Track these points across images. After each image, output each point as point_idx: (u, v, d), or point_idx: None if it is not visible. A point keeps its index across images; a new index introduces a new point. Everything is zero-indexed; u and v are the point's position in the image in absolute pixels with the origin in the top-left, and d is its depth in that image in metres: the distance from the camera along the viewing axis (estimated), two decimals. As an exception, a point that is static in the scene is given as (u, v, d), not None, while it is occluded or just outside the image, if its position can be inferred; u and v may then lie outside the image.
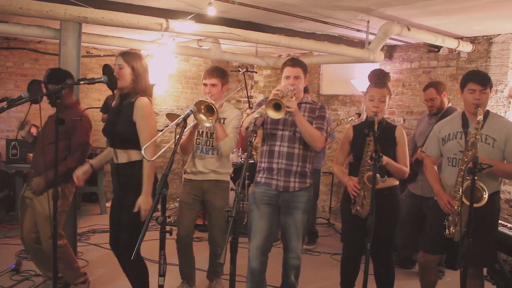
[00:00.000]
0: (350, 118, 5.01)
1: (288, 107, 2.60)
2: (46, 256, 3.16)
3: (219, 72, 3.26)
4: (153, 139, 2.57)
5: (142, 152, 2.42)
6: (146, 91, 2.76)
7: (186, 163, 3.43)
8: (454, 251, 2.85)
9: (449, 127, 2.91)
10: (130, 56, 2.73)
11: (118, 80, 2.68)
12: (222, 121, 3.26)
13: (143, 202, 2.62)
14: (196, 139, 3.31)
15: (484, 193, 2.49)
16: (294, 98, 2.74)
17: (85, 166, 2.88)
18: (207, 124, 2.68)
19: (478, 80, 2.74)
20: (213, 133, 3.23)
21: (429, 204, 3.59)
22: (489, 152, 2.71)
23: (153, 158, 2.51)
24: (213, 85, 3.21)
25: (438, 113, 3.97)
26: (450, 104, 4.08)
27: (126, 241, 2.67)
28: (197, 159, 3.32)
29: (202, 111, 2.61)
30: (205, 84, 3.24)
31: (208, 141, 3.29)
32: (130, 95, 2.72)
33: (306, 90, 4.44)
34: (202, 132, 3.30)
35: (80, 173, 2.85)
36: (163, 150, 2.65)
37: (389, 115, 5.53)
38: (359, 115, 5.21)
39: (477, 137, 2.64)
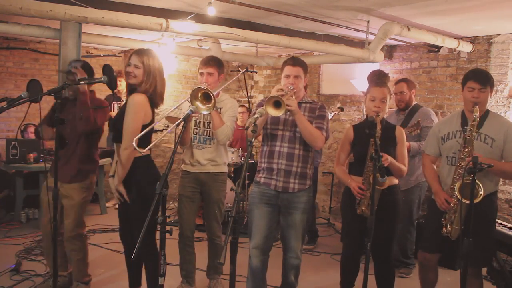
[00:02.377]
0: (333, 114, 5.18)
1: (288, 106, 2.59)
2: (62, 248, 3.24)
3: (216, 62, 3.26)
4: (143, 132, 2.59)
5: (133, 143, 2.39)
6: (155, 90, 2.81)
7: (183, 154, 3.44)
8: (452, 250, 2.85)
9: (448, 126, 2.92)
10: (145, 54, 2.76)
11: (131, 78, 2.74)
12: (218, 110, 3.26)
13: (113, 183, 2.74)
14: (194, 129, 3.32)
15: (480, 189, 2.49)
16: (294, 97, 2.74)
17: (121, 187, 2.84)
18: (205, 112, 2.62)
19: (478, 78, 2.75)
20: (210, 122, 3.23)
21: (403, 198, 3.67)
22: (487, 152, 2.72)
23: (144, 150, 2.53)
24: (210, 74, 3.21)
25: (406, 108, 4.10)
26: (416, 102, 4.17)
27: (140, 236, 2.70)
28: (195, 149, 3.32)
29: (199, 98, 2.57)
30: (201, 74, 3.24)
31: (206, 131, 3.30)
32: (133, 91, 2.77)
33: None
34: (199, 122, 3.31)
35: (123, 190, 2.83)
36: (154, 142, 2.65)
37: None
38: (341, 109, 5.35)
39: (473, 133, 2.65)
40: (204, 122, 3.30)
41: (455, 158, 2.83)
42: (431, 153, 3.03)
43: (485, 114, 2.80)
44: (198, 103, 2.56)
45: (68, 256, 3.31)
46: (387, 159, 2.77)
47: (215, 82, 3.23)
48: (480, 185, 2.49)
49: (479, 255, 2.70)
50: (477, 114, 2.65)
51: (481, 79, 2.75)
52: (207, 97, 2.60)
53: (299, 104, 2.87)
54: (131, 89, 2.82)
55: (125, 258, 3.10)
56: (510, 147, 2.72)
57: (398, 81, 4.20)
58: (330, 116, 4.82)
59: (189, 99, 2.52)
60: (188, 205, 3.36)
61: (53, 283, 2.68)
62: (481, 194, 2.48)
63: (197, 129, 3.32)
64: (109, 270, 3.90)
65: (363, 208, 2.89)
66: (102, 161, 5.64)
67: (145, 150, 2.54)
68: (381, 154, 2.58)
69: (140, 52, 2.77)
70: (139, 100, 2.72)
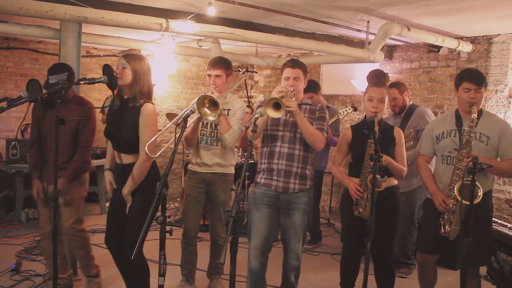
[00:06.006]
0: (343, 110, 4.65)
1: (288, 107, 2.60)
2: (61, 250, 3.23)
3: (224, 63, 3.23)
4: (154, 137, 2.63)
5: (146, 149, 2.48)
6: (149, 94, 2.77)
7: (190, 155, 3.44)
8: (451, 250, 2.85)
9: (443, 125, 2.92)
10: (131, 57, 2.74)
11: (119, 79, 2.70)
12: (226, 112, 3.25)
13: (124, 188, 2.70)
14: (201, 130, 3.31)
15: (479, 191, 2.49)
16: (294, 99, 2.75)
17: (109, 175, 2.90)
18: (211, 118, 2.71)
19: (474, 79, 2.75)
20: (218, 124, 3.22)
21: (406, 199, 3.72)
22: (483, 150, 2.72)
23: (156, 155, 2.55)
24: (218, 76, 3.19)
25: (401, 112, 4.05)
26: (411, 102, 4.13)
27: (130, 241, 2.67)
28: (202, 150, 3.32)
29: (206, 105, 2.62)
30: (209, 75, 3.22)
31: (213, 133, 3.30)
32: (134, 98, 2.72)
33: (318, 88, 4.51)
34: (207, 123, 3.30)
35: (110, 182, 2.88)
36: (162, 150, 2.67)
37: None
38: (355, 108, 4.86)
39: (471, 135, 2.65)
40: (211, 124, 3.29)
41: (450, 157, 2.83)
42: (426, 153, 3.03)
43: (479, 112, 2.79)
44: (205, 109, 2.60)
45: (68, 257, 3.30)
46: (386, 160, 2.76)
47: (222, 84, 3.22)
48: (480, 186, 2.50)
49: (476, 255, 2.69)
50: (475, 116, 2.65)
51: (477, 80, 2.75)
52: (214, 104, 2.63)
53: (299, 105, 2.87)
54: (125, 97, 2.79)
55: (115, 263, 2.99)
56: (506, 145, 2.73)
57: (389, 87, 4.14)
58: (341, 115, 4.69)
59: (194, 106, 2.55)
60: (194, 205, 3.37)
61: (53, 284, 2.68)
62: (480, 195, 2.49)
63: (204, 130, 3.31)
64: (109, 270, 3.89)
65: (361, 210, 2.88)
66: (102, 161, 5.64)
67: (156, 155, 2.56)
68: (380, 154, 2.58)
69: (127, 55, 2.76)
70: (153, 110, 2.72)
